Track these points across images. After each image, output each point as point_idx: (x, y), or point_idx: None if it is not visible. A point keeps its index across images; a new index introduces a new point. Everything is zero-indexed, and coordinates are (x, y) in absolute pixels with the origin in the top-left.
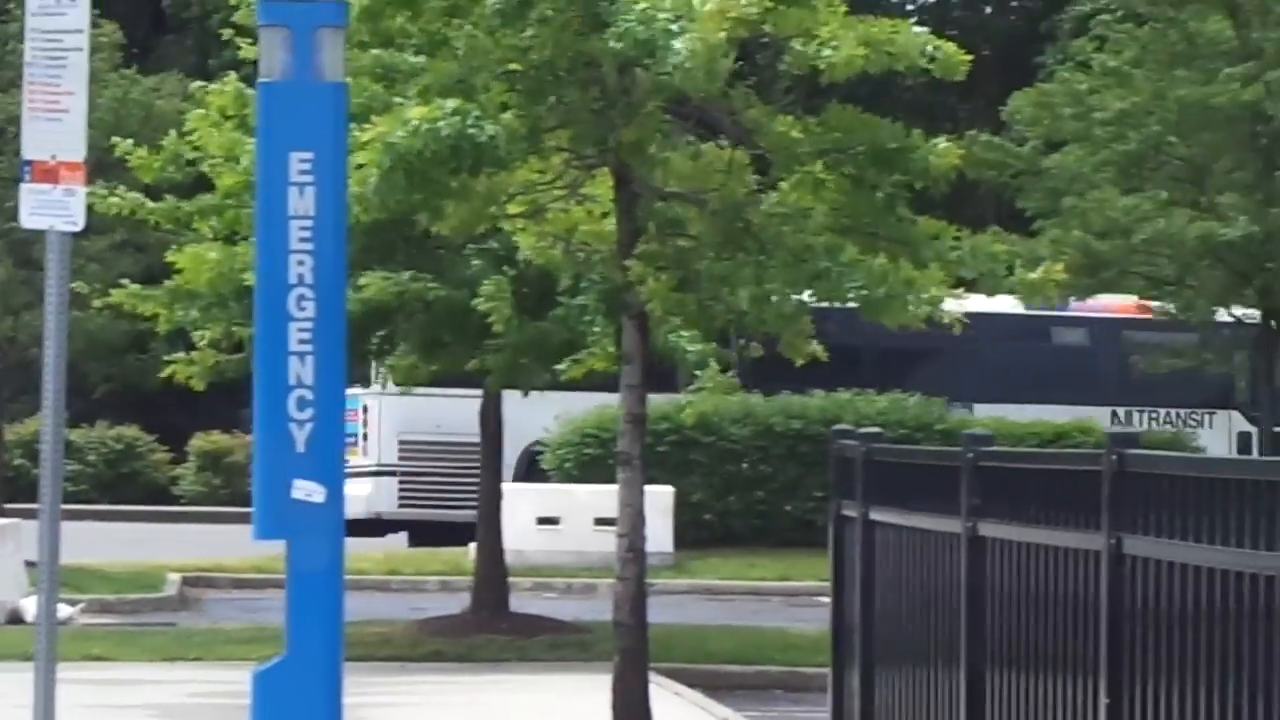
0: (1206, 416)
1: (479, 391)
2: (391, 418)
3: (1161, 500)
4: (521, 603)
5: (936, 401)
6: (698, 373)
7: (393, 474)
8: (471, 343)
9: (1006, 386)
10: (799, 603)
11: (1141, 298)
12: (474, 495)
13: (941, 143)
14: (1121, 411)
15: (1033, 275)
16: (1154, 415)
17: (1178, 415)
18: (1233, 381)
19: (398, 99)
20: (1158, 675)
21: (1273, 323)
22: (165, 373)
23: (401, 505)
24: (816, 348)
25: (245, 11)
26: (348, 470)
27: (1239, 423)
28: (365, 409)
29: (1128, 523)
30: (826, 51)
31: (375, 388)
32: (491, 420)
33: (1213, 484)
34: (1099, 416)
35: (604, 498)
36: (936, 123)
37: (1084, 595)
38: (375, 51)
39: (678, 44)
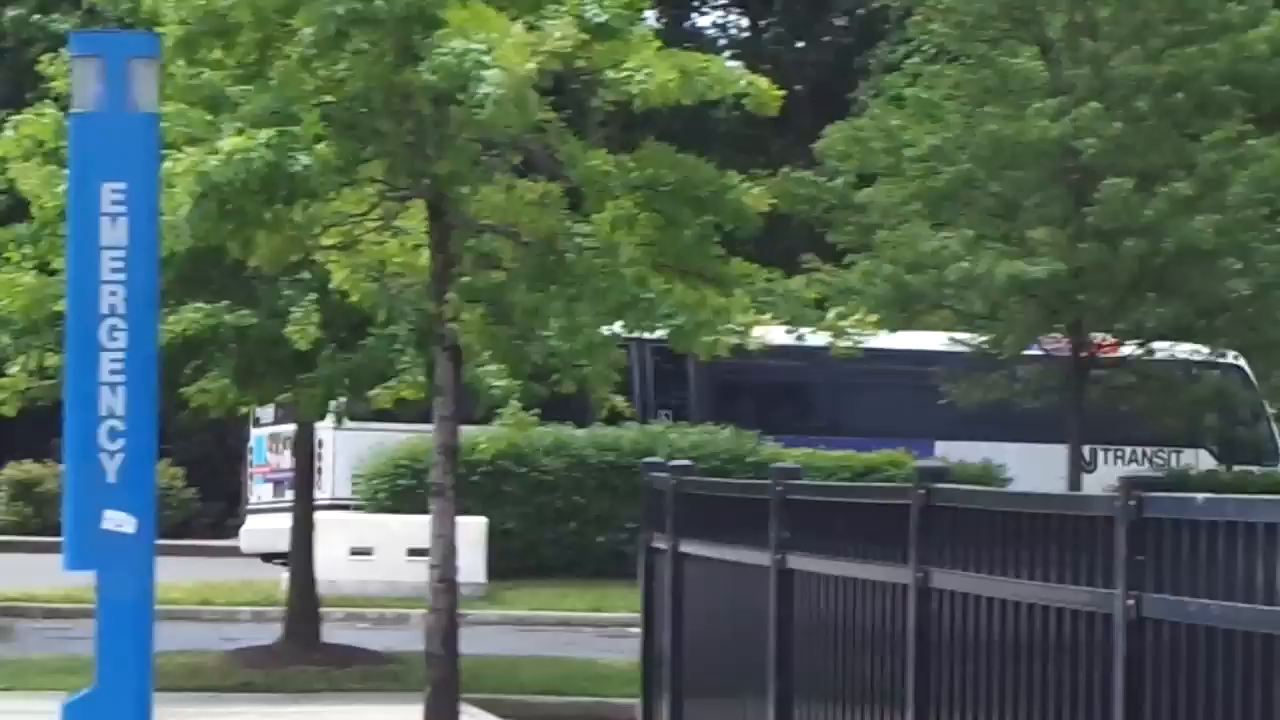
0: (1174, 455)
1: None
2: (346, 452)
3: (968, 534)
4: (334, 633)
5: (748, 434)
6: (498, 410)
7: (345, 508)
8: (285, 373)
9: (964, 425)
10: (610, 634)
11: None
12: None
13: (754, 188)
14: (1086, 450)
15: (843, 322)
16: (1119, 453)
17: (1144, 454)
18: (1202, 420)
19: (222, 128)
20: (964, 707)
21: (1082, 355)
22: None
23: None
24: (618, 399)
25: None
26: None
27: (1206, 461)
28: (320, 443)
29: (935, 556)
30: (640, 77)
31: (330, 422)
32: (304, 450)
33: (1018, 518)
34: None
35: (417, 528)
36: (751, 157)
37: (892, 628)
38: (200, 79)
39: (488, 75)
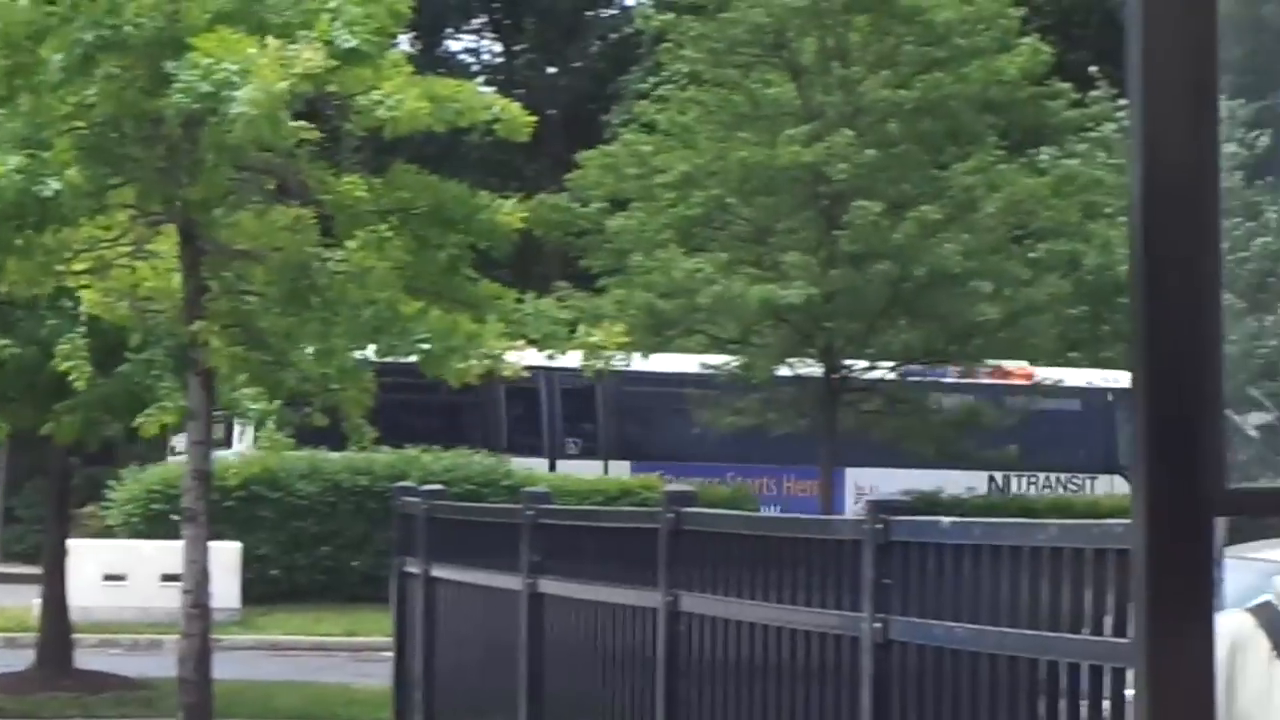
0: (1089, 481)
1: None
2: None
3: (717, 558)
4: (87, 659)
5: (499, 458)
6: (256, 431)
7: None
8: (42, 400)
9: (873, 453)
10: (365, 658)
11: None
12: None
13: (505, 204)
14: (1000, 476)
15: (594, 338)
16: (1033, 479)
17: (1058, 479)
18: (1117, 445)
19: None
20: None
21: (834, 378)
22: None
23: None
24: (367, 428)
25: None
26: None
27: (1121, 486)
28: None
29: (685, 580)
30: (390, 103)
31: (238, 448)
32: (58, 478)
33: (767, 542)
34: (978, 481)
35: (170, 554)
36: (505, 182)
37: (642, 651)
38: None
39: (239, 95)
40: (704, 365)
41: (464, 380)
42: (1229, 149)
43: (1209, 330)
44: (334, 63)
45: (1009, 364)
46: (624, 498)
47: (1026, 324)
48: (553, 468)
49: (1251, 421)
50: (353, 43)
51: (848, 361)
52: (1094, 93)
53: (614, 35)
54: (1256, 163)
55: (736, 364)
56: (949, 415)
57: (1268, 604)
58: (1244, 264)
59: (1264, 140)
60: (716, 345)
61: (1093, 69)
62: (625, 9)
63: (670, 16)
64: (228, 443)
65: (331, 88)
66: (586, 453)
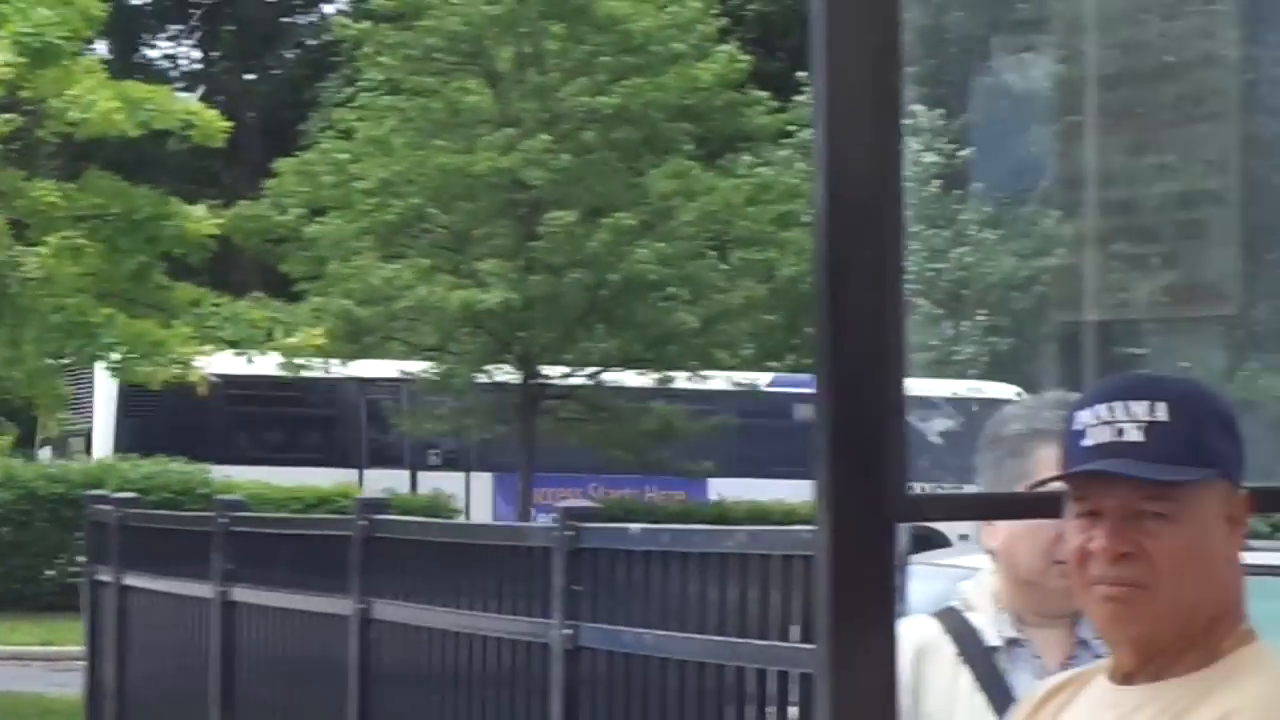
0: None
1: None
2: None
3: (410, 565)
4: None
5: (198, 467)
6: None
7: None
8: None
9: (739, 463)
10: (61, 667)
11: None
12: None
13: (197, 210)
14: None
15: (291, 340)
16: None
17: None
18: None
19: None
20: None
21: (532, 385)
22: None
23: None
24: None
25: None
26: None
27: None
28: None
29: (377, 588)
30: (83, 104)
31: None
32: None
33: (458, 549)
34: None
35: None
36: (202, 188)
37: (336, 659)
38: None
39: None
40: (402, 372)
41: (153, 383)
42: (929, 158)
43: (892, 337)
44: (23, 60)
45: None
46: (321, 505)
47: (723, 330)
48: (414, 480)
49: (934, 428)
50: (45, 40)
51: (546, 369)
52: (797, 97)
53: (312, 43)
54: (953, 173)
55: (435, 371)
56: (646, 424)
57: (952, 609)
58: (943, 273)
59: (964, 152)
60: (415, 353)
61: (800, 74)
62: (324, 16)
63: (367, 25)
64: None
65: (25, 92)
66: (448, 464)
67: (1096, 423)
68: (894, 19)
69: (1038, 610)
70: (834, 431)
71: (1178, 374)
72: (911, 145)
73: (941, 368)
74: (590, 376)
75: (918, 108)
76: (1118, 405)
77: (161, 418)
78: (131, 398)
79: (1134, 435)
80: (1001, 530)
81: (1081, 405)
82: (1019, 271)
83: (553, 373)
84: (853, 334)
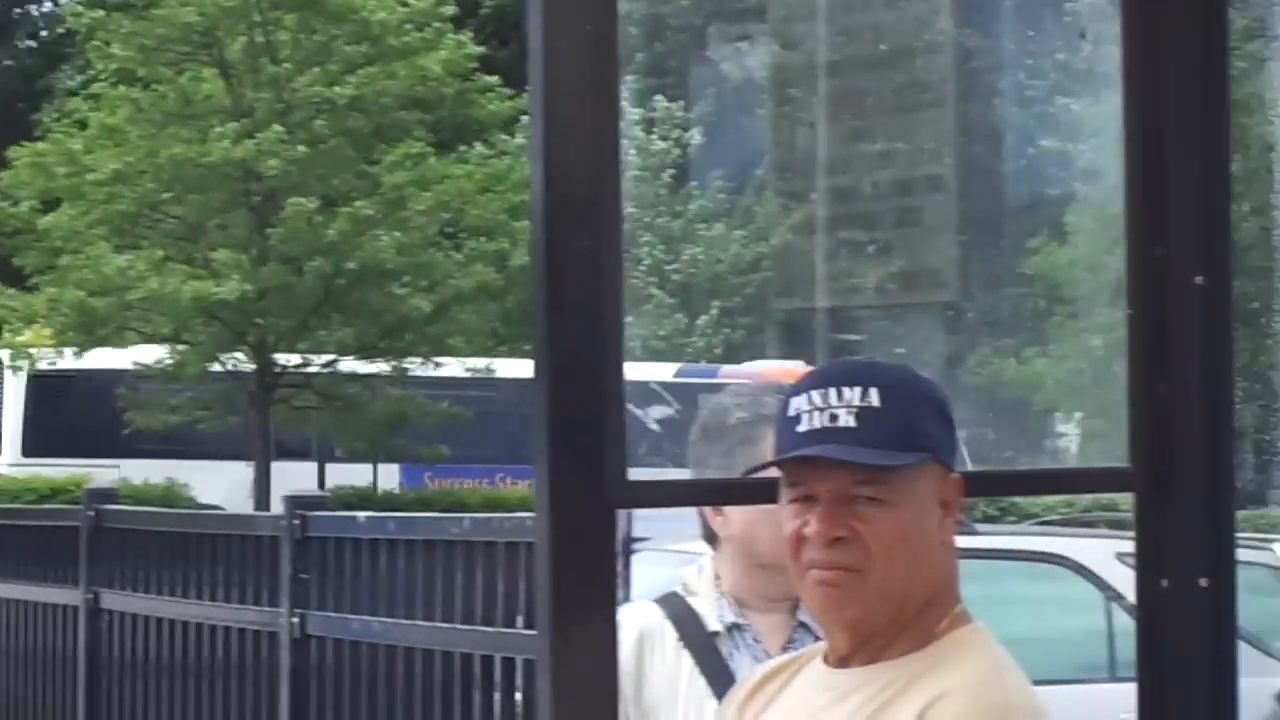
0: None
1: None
2: None
3: (139, 555)
4: None
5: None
6: None
7: None
8: None
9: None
10: None
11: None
12: None
13: None
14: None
15: (21, 337)
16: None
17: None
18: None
19: None
20: None
21: (266, 377)
22: None
23: None
24: None
25: None
26: None
27: None
28: None
29: (106, 578)
30: None
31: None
32: None
33: (187, 539)
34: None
35: None
36: None
37: (64, 650)
38: None
39: None
40: (136, 363)
41: None
42: (660, 145)
43: (610, 326)
44: None
45: (779, 365)
46: (55, 496)
47: (455, 317)
48: (321, 472)
49: (653, 415)
50: None
51: (280, 358)
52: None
53: (45, 33)
54: (686, 163)
55: (169, 360)
56: (379, 412)
57: (674, 595)
58: (676, 261)
59: (695, 139)
60: (150, 342)
61: None
62: (58, 5)
63: (100, 14)
64: None
65: None
66: (353, 455)
67: (810, 408)
68: (612, 8)
69: (766, 594)
70: (553, 419)
71: (892, 360)
72: (643, 136)
73: (677, 356)
74: (325, 365)
75: (658, 98)
76: (831, 391)
77: None
78: None
79: (847, 420)
80: (737, 517)
81: (797, 391)
82: (743, 258)
83: (288, 361)
84: (571, 323)
